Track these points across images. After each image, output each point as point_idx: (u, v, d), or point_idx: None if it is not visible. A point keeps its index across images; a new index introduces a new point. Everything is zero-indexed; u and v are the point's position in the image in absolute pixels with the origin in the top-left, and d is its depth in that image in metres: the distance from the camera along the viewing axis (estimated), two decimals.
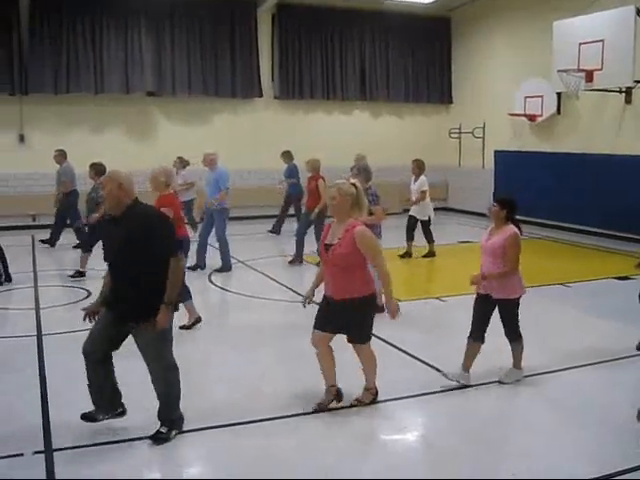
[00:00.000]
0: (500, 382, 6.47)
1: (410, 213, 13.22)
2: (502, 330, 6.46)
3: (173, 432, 5.32)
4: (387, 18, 19.50)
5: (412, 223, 13.10)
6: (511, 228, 6.32)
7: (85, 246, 11.36)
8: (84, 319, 5.34)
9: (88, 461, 5.01)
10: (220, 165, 11.95)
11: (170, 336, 5.32)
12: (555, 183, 16.18)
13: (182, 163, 15.16)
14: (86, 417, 5.34)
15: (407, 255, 13.01)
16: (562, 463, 4.97)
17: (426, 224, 13.10)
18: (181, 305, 8.11)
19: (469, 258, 12.65)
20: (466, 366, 6.47)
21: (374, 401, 6.00)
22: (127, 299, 5.13)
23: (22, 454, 5.02)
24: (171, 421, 5.35)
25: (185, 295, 8.25)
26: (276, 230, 16.04)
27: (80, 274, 11.11)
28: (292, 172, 15.66)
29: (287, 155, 15.91)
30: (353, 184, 5.80)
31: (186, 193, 14.80)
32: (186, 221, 14.81)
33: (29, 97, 16.51)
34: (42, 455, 5.02)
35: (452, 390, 6.32)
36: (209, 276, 11.52)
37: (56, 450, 5.10)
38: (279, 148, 16.20)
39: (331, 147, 17.61)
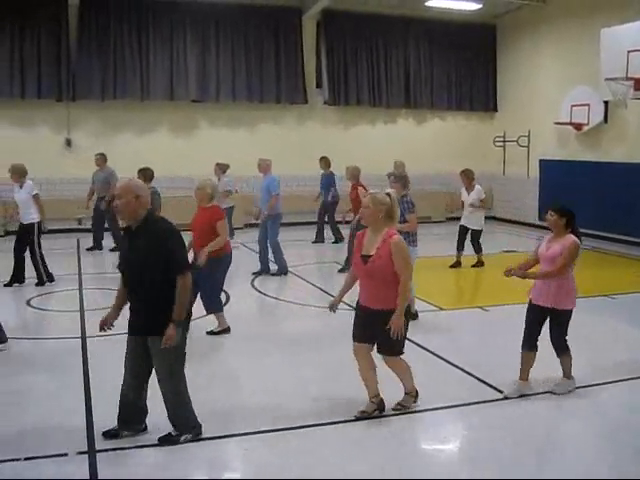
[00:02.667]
0: (552, 392, 6.35)
1: (462, 223, 12.97)
2: (549, 340, 6.36)
3: (184, 436, 5.32)
4: (432, 25, 19.43)
5: (464, 233, 12.91)
6: (571, 237, 6.24)
7: None
8: (100, 330, 5.41)
9: (131, 462, 5.07)
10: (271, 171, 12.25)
11: (182, 351, 5.30)
12: (601, 193, 15.93)
13: (222, 169, 14.89)
14: (109, 434, 5.39)
15: (457, 265, 12.81)
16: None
17: (478, 234, 12.89)
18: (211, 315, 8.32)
19: None
20: (523, 377, 6.42)
21: (415, 402, 5.99)
22: (141, 312, 5.17)
23: (66, 454, 5.09)
24: (181, 425, 5.35)
25: (217, 306, 8.37)
26: (320, 239, 16.04)
27: None
28: (330, 181, 15.59)
29: (325, 161, 15.85)
30: (387, 194, 5.77)
31: (225, 200, 14.82)
32: None
33: (76, 102, 16.81)
34: (85, 455, 5.08)
35: (496, 401, 6.25)
36: (252, 281, 11.58)
37: (99, 451, 5.16)
38: (324, 154, 16.19)
39: (375, 154, 17.56)
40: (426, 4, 18.20)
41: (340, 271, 12.04)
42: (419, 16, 19.15)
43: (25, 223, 10.87)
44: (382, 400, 5.93)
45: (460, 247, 12.90)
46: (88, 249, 14.36)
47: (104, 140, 16.73)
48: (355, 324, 5.86)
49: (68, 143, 17.03)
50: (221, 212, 8.41)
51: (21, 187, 10.81)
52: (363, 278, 5.76)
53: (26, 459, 4.99)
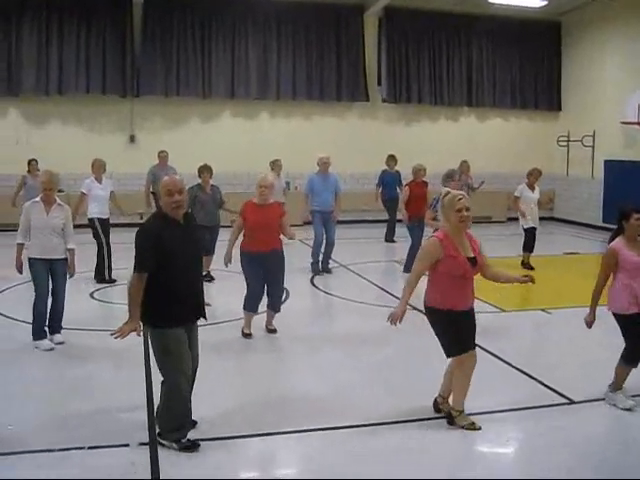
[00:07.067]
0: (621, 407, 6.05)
1: (533, 225, 12.45)
2: (611, 345, 6.20)
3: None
4: (495, 22, 19.13)
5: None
6: None
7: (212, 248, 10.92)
8: (116, 338, 5.28)
9: (191, 455, 5.10)
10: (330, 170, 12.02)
11: None
12: None
13: (279, 166, 14.47)
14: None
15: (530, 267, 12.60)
16: None
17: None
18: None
19: (575, 270, 12.34)
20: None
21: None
22: (199, 297, 5.38)
23: (128, 444, 5.17)
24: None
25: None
26: (390, 238, 15.81)
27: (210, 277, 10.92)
28: (396, 179, 15.45)
29: (394, 159, 15.72)
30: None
31: (282, 198, 14.70)
32: None
33: (139, 98, 17.11)
34: (147, 447, 5.15)
35: (559, 405, 6.13)
36: (311, 279, 11.60)
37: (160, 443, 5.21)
38: (384, 152, 16.10)
39: (436, 152, 17.38)
40: (489, 1, 17.94)
41: (405, 271, 11.49)
42: (482, 13, 18.88)
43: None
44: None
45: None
46: None
47: (166, 136, 16.96)
48: (466, 332, 5.53)
49: (132, 139, 17.31)
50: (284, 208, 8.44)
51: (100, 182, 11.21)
52: (469, 281, 5.54)
53: (90, 448, 5.08)
